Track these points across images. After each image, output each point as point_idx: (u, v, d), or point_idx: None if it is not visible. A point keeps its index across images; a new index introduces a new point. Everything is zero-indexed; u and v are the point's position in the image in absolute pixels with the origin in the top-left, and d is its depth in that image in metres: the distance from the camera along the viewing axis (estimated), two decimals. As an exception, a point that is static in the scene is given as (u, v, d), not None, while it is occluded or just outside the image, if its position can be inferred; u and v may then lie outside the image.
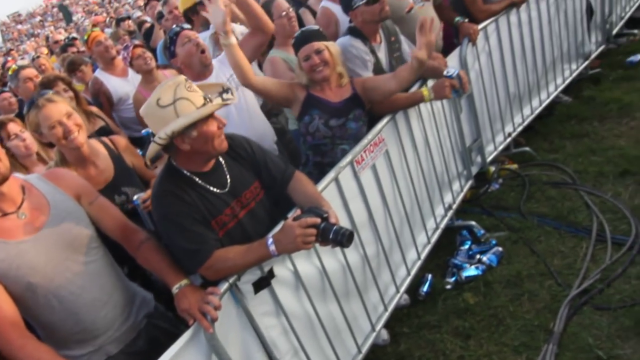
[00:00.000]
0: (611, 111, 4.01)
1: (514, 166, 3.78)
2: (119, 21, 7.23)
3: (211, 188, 1.86)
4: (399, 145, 2.69)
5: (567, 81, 4.22)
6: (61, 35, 11.44)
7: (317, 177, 2.22)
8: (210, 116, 1.76)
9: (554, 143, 3.91)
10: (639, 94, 4.05)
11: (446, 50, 3.27)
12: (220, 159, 1.93)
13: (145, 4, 6.27)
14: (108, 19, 12.67)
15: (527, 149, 3.87)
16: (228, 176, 1.92)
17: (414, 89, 2.76)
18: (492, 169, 3.70)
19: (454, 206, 3.26)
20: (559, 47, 4.05)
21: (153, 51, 4.50)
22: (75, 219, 1.73)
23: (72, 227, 1.70)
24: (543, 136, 4.02)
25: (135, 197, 2.31)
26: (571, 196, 3.34)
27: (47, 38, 16.72)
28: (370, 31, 2.73)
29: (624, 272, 2.68)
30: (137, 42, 3.72)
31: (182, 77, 1.78)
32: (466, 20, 3.25)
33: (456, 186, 3.37)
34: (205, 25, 3.37)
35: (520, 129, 3.84)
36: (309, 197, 1.96)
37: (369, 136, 2.43)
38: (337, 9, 3.41)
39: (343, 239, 1.73)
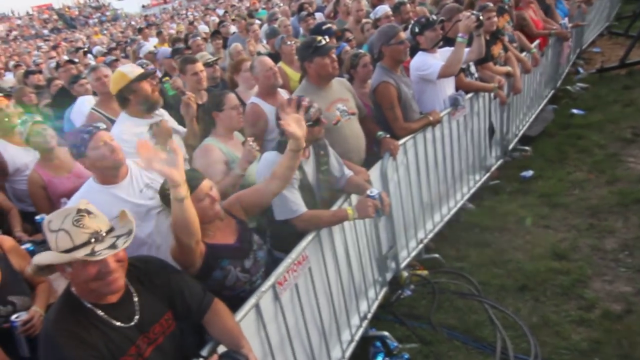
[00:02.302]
0: (509, 223, 4.36)
1: (425, 272, 3.90)
2: (29, 73, 6.71)
3: (116, 323, 1.66)
4: (320, 261, 2.65)
5: (472, 191, 4.59)
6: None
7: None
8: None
9: (460, 250, 4.12)
10: (532, 209, 4.47)
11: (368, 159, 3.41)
12: (130, 286, 1.74)
13: (58, 66, 5.88)
14: (12, 63, 11.69)
15: (436, 255, 4.03)
16: (137, 307, 1.73)
17: (337, 205, 2.78)
18: (405, 274, 3.79)
19: (369, 316, 3.25)
20: (465, 160, 4.41)
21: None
22: None
23: None
24: (451, 243, 4.24)
25: (14, 317, 1.98)
26: (477, 309, 3.48)
27: None
28: None
29: (526, 395, 2.78)
30: (38, 117, 3.41)
31: (76, 208, 1.62)
32: (388, 135, 3.42)
33: (371, 293, 3.38)
34: (144, 104, 3.06)
35: (431, 235, 4.03)
36: (227, 333, 1.82)
37: (293, 255, 2.36)
38: (266, 107, 3.44)
39: (262, 388, 1.61)
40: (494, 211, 4.58)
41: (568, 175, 4.94)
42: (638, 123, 5.70)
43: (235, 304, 2.06)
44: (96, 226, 1.61)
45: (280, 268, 2.26)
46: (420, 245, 3.91)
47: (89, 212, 1.61)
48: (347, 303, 2.98)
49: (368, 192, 2.58)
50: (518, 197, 4.75)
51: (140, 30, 10.29)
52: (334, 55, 3.22)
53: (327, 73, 3.18)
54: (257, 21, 8.31)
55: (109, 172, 2.48)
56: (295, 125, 2.22)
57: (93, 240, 1.58)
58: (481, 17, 3.71)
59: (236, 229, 2.30)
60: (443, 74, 3.72)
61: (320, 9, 8.61)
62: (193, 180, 2.08)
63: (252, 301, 2.06)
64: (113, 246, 1.60)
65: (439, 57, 3.90)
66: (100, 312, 1.64)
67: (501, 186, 4.96)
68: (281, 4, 12.40)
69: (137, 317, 1.71)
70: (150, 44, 8.79)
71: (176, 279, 1.85)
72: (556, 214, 4.37)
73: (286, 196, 2.51)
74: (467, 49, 3.85)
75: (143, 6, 44.88)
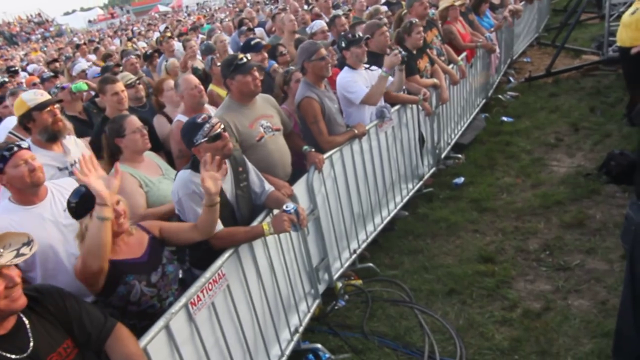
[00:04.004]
0: (441, 229, 4.50)
1: (359, 282, 3.96)
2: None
3: (7, 355, 1.60)
4: (241, 277, 2.65)
5: (405, 199, 4.71)
6: None
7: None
8: None
9: (394, 258, 4.22)
10: (462, 215, 4.64)
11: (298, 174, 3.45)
12: (23, 317, 1.69)
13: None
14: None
15: (370, 264, 4.11)
16: (31, 338, 1.68)
17: (257, 220, 2.80)
18: (339, 284, 3.84)
19: (301, 329, 3.26)
20: (397, 170, 4.53)
21: None
22: None
23: None
24: (385, 251, 4.33)
25: None
26: (408, 315, 3.57)
27: None
28: None
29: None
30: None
31: None
32: (313, 149, 3.48)
33: (303, 307, 3.40)
34: (43, 134, 2.96)
35: (364, 245, 4.10)
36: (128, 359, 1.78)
37: (207, 274, 2.35)
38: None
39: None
40: (426, 218, 4.72)
41: (497, 181, 5.17)
42: (561, 128, 6.05)
43: (143, 321, 2.10)
44: (4, 240, 1.64)
45: (193, 288, 2.24)
46: (354, 256, 3.97)
47: None
48: (275, 318, 2.98)
49: (284, 207, 2.61)
50: (450, 203, 4.91)
51: (78, 47, 10.00)
52: (256, 73, 3.24)
53: (249, 90, 3.20)
54: (197, 37, 8.28)
55: (28, 191, 2.44)
56: (210, 181, 2.27)
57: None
58: (405, 59, 3.90)
59: (146, 244, 2.32)
60: (364, 102, 3.89)
61: (261, 24, 8.67)
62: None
63: (160, 323, 2.04)
64: (19, 255, 1.61)
65: (364, 74, 4.02)
66: (-11, 346, 1.59)
67: (434, 193, 5.12)
68: (226, 20, 12.39)
69: (31, 346, 1.67)
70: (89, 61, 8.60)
71: (73, 305, 1.81)
72: (485, 218, 4.56)
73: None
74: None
75: (90, 21, 43.63)
